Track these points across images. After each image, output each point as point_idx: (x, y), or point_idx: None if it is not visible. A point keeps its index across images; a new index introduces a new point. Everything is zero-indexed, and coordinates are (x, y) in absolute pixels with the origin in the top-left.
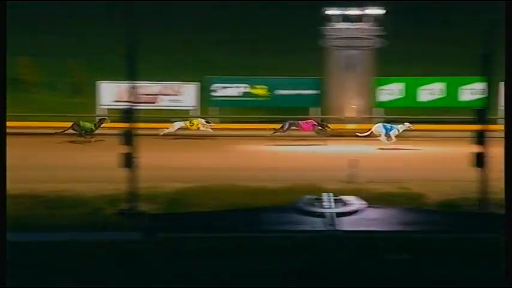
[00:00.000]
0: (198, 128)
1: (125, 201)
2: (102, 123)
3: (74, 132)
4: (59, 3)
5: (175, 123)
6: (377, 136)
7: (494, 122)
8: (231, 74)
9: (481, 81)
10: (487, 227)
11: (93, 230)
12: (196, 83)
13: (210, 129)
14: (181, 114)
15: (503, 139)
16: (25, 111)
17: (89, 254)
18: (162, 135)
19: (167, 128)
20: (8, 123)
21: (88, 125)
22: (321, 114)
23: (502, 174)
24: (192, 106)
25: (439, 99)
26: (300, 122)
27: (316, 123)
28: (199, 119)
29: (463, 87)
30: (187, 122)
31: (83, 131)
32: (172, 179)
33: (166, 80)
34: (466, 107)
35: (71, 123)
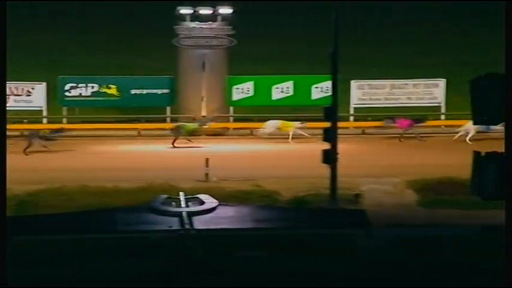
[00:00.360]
0: (290, 129)
1: None
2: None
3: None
4: None
5: (269, 122)
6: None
7: (347, 120)
8: (84, 74)
9: (331, 79)
10: (337, 223)
11: None
12: (44, 82)
13: (304, 133)
14: (30, 115)
15: (355, 136)
16: None
17: None
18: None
19: (260, 128)
20: None
21: (191, 126)
22: (174, 114)
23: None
24: (42, 107)
25: (290, 97)
26: (397, 119)
27: (414, 122)
28: (294, 122)
29: (315, 85)
30: (281, 122)
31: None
32: (21, 181)
33: (16, 80)
34: (318, 105)
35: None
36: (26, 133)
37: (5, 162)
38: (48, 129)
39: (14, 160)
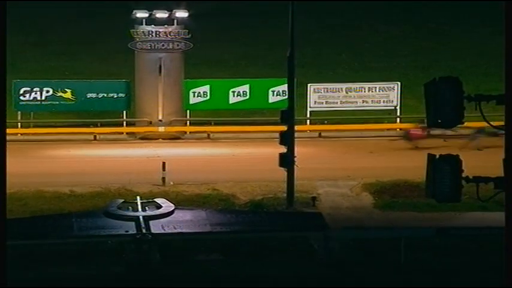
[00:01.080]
0: None
1: None
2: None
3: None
4: None
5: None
6: None
7: (304, 123)
8: (39, 78)
9: (287, 82)
10: (294, 226)
11: None
12: None
13: None
14: None
15: (311, 139)
16: None
17: None
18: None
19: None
20: None
21: None
22: (131, 118)
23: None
24: None
25: (247, 100)
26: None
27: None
28: None
29: (271, 88)
30: None
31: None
32: None
33: None
34: (274, 108)
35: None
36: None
37: (5, 163)
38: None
39: None
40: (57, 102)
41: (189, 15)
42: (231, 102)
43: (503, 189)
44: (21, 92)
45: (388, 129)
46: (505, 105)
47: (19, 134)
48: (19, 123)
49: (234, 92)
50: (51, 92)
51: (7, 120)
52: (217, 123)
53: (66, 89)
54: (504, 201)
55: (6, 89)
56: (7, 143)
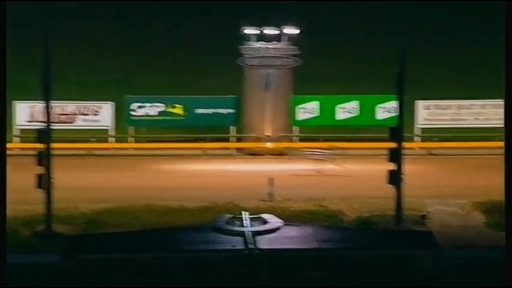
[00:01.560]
0: None
1: (41, 222)
2: None
3: None
4: None
5: None
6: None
7: (411, 140)
8: (150, 94)
9: (396, 99)
10: (403, 244)
11: (9, 253)
12: (112, 102)
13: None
14: (98, 134)
15: (422, 156)
16: None
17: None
18: None
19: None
20: None
21: None
22: (238, 133)
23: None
24: (109, 126)
25: (355, 117)
26: None
27: None
28: None
29: (379, 105)
30: None
31: None
32: (89, 200)
33: (82, 100)
34: (382, 125)
35: None
36: None
37: (5, 164)
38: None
39: (79, 179)
40: (168, 118)
41: (299, 32)
42: (338, 118)
43: None
44: (133, 107)
45: (499, 147)
46: (505, 104)
47: (131, 149)
48: (130, 138)
49: (342, 108)
50: (162, 108)
51: (119, 135)
52: (325, 140)
53: (176, 105)
54: (504, 202)
55: (5, 90)
56: (122, 157)
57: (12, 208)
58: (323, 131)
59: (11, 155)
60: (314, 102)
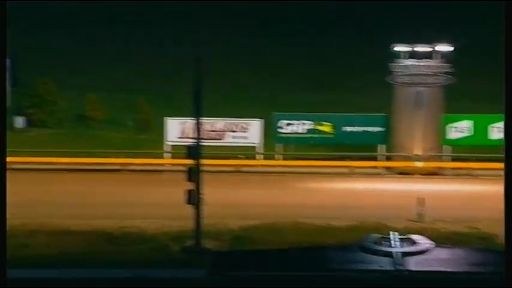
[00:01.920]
0: None
1: (190, 238)
2: None
3: None
4: (127, 40)
5: None
6: None
7: None
8: (297, 111)
9: None
10: None
11: (158, 267)
12: (260, 119)
13: None
14: (246, 151)
15: None
16: (89, 147)
17: None
18: None
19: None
20: (70, 160)
21: None
22: (387, 152)
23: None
24: (257, 143)
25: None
26: None
27: None
28: None
29: None
30: None
31: None
32: (236, 216)
33: (231, 116)
34: None
35: None
36: None
37: (4, 165)
38: None
39: (227, 195)
40: (316, 135)
41: (451, 50)
42: (491, 138)
43: None
44: (281, 124)
45: None
46: (505, 104)
47: (278, 166)
48: (278, 155)
49: (495, 128)
50: (310, 125)
51: (267, 152)
52: (478, 160)
53: (324, 122)
54: (504, 202)
55: (5, 90)
56: (269, 174)
57: (162, 223)
58: (475, 150)
59: (162, 171)
60: (467, 121)
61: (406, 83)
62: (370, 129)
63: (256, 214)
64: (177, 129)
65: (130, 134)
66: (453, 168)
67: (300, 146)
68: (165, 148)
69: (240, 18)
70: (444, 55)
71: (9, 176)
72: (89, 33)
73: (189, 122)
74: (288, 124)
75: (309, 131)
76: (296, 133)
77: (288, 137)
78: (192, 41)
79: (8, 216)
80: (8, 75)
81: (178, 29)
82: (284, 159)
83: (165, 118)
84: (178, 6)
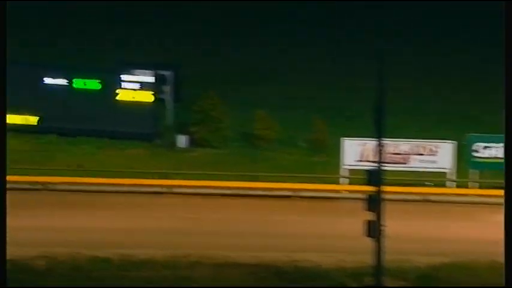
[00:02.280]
0: None
1: (369, 275)
2: None
3: None
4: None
5: None
6: None
7: None
8: (496, 132)
9: None
10: None
11: None
12: (452, 141)
13: None
14: (435, 177)
15: None
16: (256, 170)
17: None
18: None
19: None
20: (235, 184)
21: None
22: None
23: None
24: (448, 168)
25: None
26: None
27: None
28: None
29: None
30: None
31: None
32: (422, 252)
33: (416, 137)
34: None
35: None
36: None
37: (5, 164)
38: None
39: (412, 227)
40: None
41: None
42: None
43: None
44: (477, 147)
45: None
46: (505, 104)
47: (473, 195)
48: (472, 183)
49: None
50: None
51: (460, 179)
52: None
53: None
54: (504, 201)
55: (6, 90)
56: (462, 204)
57: (338, 257)
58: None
59: (337, 198)
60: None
61: None
62: None
63: (445, 250)
64: (355, 151)
65: (302, 156)
66: None
67: (499, 173)
68: (342, 172)
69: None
70: None
71: (182, 201)
72: (262, 43)
73: (370, 144)
74: (486, 147)
75: None
76: (495, 158)
77: (485, 162)
78: (375, 55)
79: (167, 245)
80: (170, 89)
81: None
82: (480, 187)
83: (341, 139)
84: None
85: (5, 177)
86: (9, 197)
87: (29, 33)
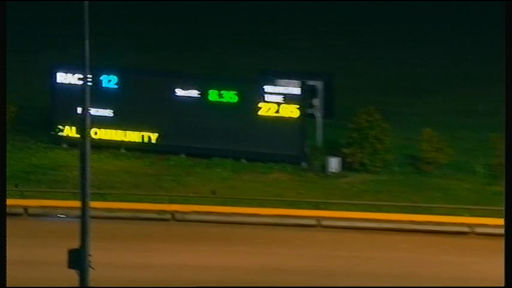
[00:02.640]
0: None
1: None
2: None
3: None
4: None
5: None
6: None
7: None
8: None
9: None
10: None
11: None
12: None
13: None
14: None
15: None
16: (423, 200)
17: None
18: None
19: None
20: (396, 216)
21: None
22: None
23: None
24: None
25: None
26: None
27: None
28: None
29: None
30: None
31: None
32: None
33: None
34: None
35: None
36: None
37: (5, 164)
38: None
39: None
40: None
41: None
42: None
43: None
44: None
45: None
46: (505, 105)
47: None
48: None
49: None
50: None
51: None
52: None
53: None
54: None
55: (6, 90)
56: None
57: None
58: None
59: None
60: None
61: None
62: None
63: None
64: None
65: (479, 184)
66: None
67: None
68: None
69: None
70: None
71: (333, 236)
72: (428, 50)
73: None
74: None
75: None
76: None
77: None
78: None
79: None
80: (320, 102)
81: None
82: None
83: None
84: None
85: (5, 178)
86: (134, 228)
87: (153, 38)
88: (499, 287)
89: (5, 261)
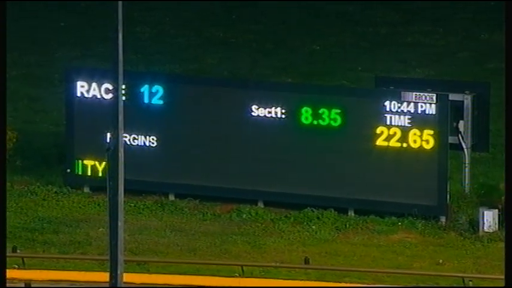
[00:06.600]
0: None
1: None
2: None
3: None
4: None
5: None
6: None
7: None
8: None
9: None
10: None
11: None
12: None
13: None
14: None
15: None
16: None
17: None
18: None
19: None
20: None
21: None
22: None
23: None
24: None
25: None
26: None
27: None
28: None
29: None
30: None
31: None
32: None
33: None
34: None
35: None
36: None
37: (5, 164)
38: None
39: None
40: None
41: None
42: None
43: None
44: None
45: None
46: (505, 105)
47: None
48: None
49: None
50: None
51: None
52: None
53: None
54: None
55: (5, 90)
56: None
57: None
58: None
59: None
60: None
61: None
62: None
63: None
64: None
65: None
66: None
67: None
68: None
69: None
70: None
71: None
72: None
73: None
74: None
75: None
76: None
77: None
78: None
79: None
80: (467, 126)
81: None
82: None
83: None
84: None
85: (5, 177)
86: None
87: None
88: (499, 287)
89: (5, 261)
